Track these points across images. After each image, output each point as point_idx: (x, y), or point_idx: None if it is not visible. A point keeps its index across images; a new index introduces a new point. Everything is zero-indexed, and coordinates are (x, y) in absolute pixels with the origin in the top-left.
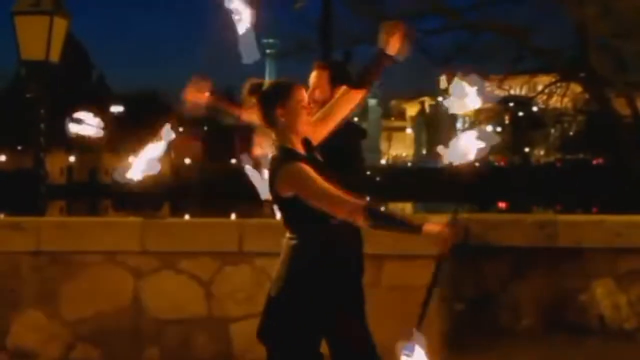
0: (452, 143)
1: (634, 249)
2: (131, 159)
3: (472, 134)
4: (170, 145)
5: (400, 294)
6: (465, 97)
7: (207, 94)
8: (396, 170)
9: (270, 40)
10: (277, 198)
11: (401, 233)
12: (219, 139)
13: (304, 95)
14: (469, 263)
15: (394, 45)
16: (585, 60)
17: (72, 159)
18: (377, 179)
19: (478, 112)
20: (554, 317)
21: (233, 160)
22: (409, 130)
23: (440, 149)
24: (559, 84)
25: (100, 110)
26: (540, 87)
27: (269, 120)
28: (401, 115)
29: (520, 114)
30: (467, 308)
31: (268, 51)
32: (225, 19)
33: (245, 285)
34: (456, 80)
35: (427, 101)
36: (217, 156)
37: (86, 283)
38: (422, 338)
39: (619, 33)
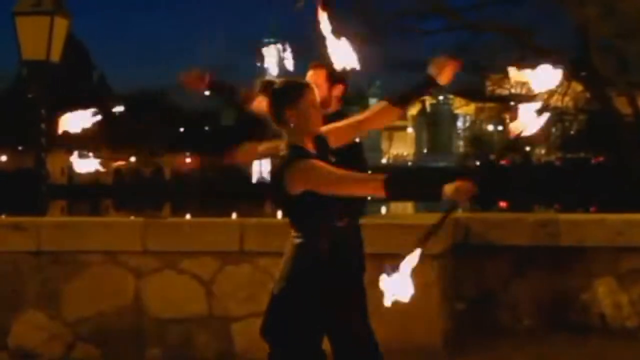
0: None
1: (636, 247)
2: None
3: (532, 106)
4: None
5: None
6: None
7: (206, 81)
8: (396, 169)
9: (270, 40)
10: (284, 196)
11: (423, 199)
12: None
13: (315, 95)
14: (470, 262)
15: (446, 77)
16: (587, 60)
17: (72, 158)
18: None
19: (479, 110)
20: (555, 316)
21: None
22: (409, 130)
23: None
24: (559, 83)
25: (101, 110)
26: None
27: (280, 119)
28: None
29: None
30: (469, 307)
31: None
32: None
33: (247, 285)
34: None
35: (428, 100)
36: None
37: (87, 283)
38: (414, 260)
39: (620, 33)
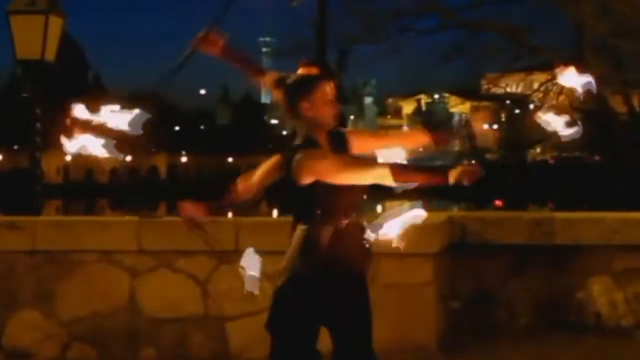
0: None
1: (631, 246)
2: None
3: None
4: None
5: (396, 292)
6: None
7: (220, 46)
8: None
9: (267, 39)
10: (293, 186)
11: (429, 184)
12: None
13: (329, 89)
14: (467, 261)
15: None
16: (582, 59)
17: (68, 158)
18: None
19: (475, 109)
20: (551, 315)
21: (230, 159)
22: (405, 128)
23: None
24: (555, 82)
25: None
26: (536, 85)
27: (294, 112)
28: (397, 113)
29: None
30: (465, 306)
31: (264, 50)
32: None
33: (242, 284)
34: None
35: (424, 99)
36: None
37: (82, 282)
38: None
39: (616, 32)
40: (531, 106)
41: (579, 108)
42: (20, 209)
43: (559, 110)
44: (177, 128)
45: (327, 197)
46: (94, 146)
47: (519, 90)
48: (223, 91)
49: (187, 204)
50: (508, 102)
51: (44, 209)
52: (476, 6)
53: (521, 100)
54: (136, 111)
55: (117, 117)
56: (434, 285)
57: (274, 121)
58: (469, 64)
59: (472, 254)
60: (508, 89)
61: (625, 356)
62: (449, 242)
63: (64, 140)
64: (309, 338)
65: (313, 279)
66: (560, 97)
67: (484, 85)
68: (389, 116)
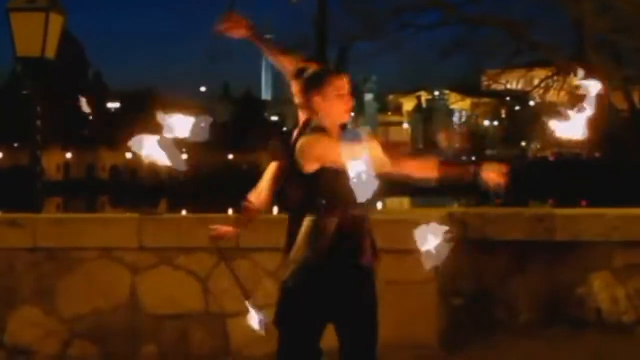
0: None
1: (632, 242)
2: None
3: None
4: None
5: (396, 289)
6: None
7: (244, 28)
8: None
9: (267, 36)
10: (300, 175)
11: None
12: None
13: (342, 84)
14: (467, 257)
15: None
16: (583, 55)
17: (68, 155)
18: None
19: (475, 105)
20: (552, 311)
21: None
22: (405, 125)
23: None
24: (555, 78)
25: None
26: (536, 81)
27: (308, 104)
28: (398, 109)
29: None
30: (466, 303)
31: None
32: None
33: (243, 281)
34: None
35: (424, 95)
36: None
37: (83, 279)
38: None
39: (616, 28)
40: (531, 103)
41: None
42: (21, 206)
43: (573, 101)
44: None
45: (333, 186)
46: (158, 153)
47: (520, 86)
48: (223, 88)
49: (218, 227)
50: (508, 98)
51: (44, 206)
52: (476, 1)
53: (521, 97)
54: (195, 118)
55: (181, 124)
56: (434, 282)
57: (274, 118)
58: (469, 59)
59: (473, 249)
60: (508, 86)
61: (626, 352)
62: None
63: (132, 141)
64: (315, 332)
65: (319, 270)
66: (561, 93)
67: (484, 82)
68: (389, 113)
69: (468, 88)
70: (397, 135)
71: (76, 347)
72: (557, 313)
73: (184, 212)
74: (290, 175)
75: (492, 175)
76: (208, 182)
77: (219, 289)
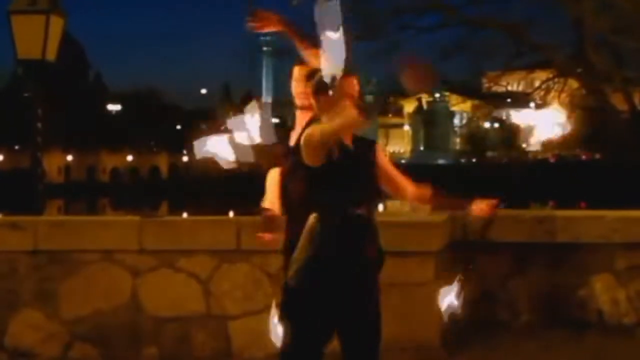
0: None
1: (633, 244)
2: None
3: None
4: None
5: (398, 290)
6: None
7: (274, 22)
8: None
9: (268, 38)
10: (305, 169)
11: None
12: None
13: (349, 84)
14: (468, 259)
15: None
16: (583, 56)
17: (69, 157)
18: None
19: (475, 108)
20: (553, 313)
21: None
22: (406, 127)
23: None
24: (556, 80)
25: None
26: (537, 83)
27: (317, 106)
28: (398, 112)
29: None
30: (467, 304)
31: (265, 49)
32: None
33: (244, 283)
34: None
35: (425, 98)
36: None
37: (84, 282)
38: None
39: (617, 29)
40: (531, 104)
41: (579, 106)
42: (22, 209)
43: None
44: (178, 127)
45: (336, 184)
46: (223, 150)
47: (520, 88)
48: (224, 90)
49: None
50: (509, 100)
51: (45, 208)
52: (477, 3)
53: (522, 99)
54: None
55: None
56: (435, 283)
57: (275, 120)
58: (469, 61)
59: (474, 251)
60: (509, 87)
61: (627, 354)
62: (451, 240)
63: (196, 142)
64: (318, 332)
65: (321, 270)
66: (562, 95)
67: (485, 84)
68: (390, 115)
69: (469, 90)
70: (397, 138)
71: (77, 350)
72: (558, 315)
73: (184, 215)
74: (293, 173)
75: (482, 207)
76: (209, 184)
77: (220, 291)
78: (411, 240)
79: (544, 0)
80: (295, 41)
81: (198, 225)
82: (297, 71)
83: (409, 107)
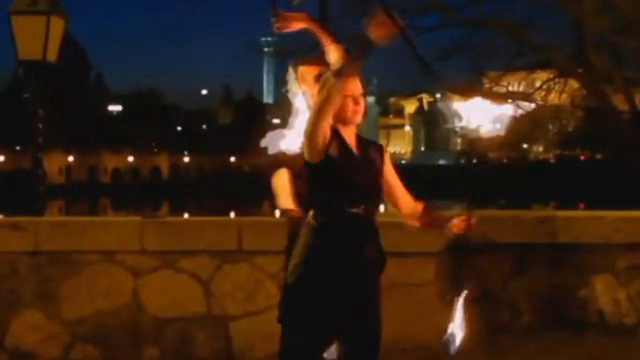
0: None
1: (634, 244)
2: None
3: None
4: None
5: (398, 291)
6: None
7: (298, 20)
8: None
9: (269, 39)
10: (306, 168)
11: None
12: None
13: (355, 86)
14: (469, 259)
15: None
16: (583, 56)
17: (70, 158)
18: None
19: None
20: (553, 313)
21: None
22: (407, 128)
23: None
24: (557, 80)
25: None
26: (538, 84)
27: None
28: (399, 112)
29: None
30: (467, 304)
31: (266, 50)
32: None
33: (245, 284)
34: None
35: (426, 98)
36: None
37: (85, 282)
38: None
39: (617, 29)
40: (532, 105)
41: (580, 106)
42: (23, 209)
43: None
44: (179, 128)
45: (334, 180)
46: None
47: (521, 88)
48: (225, 91)
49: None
50: (510, 100)
51: (46, 209)
52: (477, 3)
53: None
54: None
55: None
56: (436, 284)
57: (275, 121)
58: (470, 61)
59: (475, 252)
60: (510, 88)
61: (628, 354)
62: (451, 241)
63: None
64: (316, 332)
65: (320, 268)
66: (563, 96)
67: (486, 84)
68: (391, 115)
69: (470, 90)
70: (398, 138)
71: (78, 351)
72: (558, 315)
73: (186, 216)
74: (299, 173)
75: (457, 224)
76: (210, 185)
77: (221, 292)
78: (412, 241)
79: (544, 0)
80: (321, 37)
81: (199, 226)
82: (305, 72)
83: (410, 107)
